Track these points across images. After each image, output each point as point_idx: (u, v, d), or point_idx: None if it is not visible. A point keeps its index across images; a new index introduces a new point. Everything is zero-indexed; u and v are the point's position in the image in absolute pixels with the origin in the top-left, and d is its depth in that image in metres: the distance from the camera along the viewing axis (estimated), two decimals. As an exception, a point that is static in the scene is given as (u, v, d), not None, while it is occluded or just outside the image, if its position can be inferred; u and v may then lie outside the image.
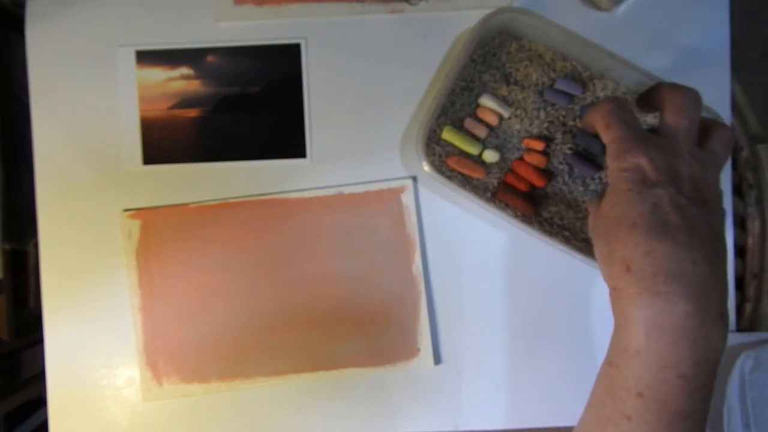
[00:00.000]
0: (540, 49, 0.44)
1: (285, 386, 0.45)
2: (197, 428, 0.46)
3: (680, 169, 0.30)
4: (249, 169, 0.46)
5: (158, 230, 0.45)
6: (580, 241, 0.43)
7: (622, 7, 0.45)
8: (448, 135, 0.43)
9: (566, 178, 0.43)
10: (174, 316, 0.45)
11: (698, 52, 0.46)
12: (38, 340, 0.46)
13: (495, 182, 0.43)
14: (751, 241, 0.49)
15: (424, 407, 0.46)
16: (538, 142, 0.43)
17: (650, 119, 0.43)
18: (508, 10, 0.41)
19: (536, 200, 0.43)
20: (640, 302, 0.28)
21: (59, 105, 0.46)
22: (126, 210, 0.45)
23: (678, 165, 0.30)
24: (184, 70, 0.46)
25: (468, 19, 0.45)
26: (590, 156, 0.43)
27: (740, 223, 0.49)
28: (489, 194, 0.43)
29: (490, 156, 0.43)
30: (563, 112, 0.43)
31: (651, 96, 0.34)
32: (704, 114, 0.41)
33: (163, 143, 0.46)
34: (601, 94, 0.43)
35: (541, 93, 0.43)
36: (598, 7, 0.45)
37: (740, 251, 0.49)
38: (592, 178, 0.43)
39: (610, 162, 0.32)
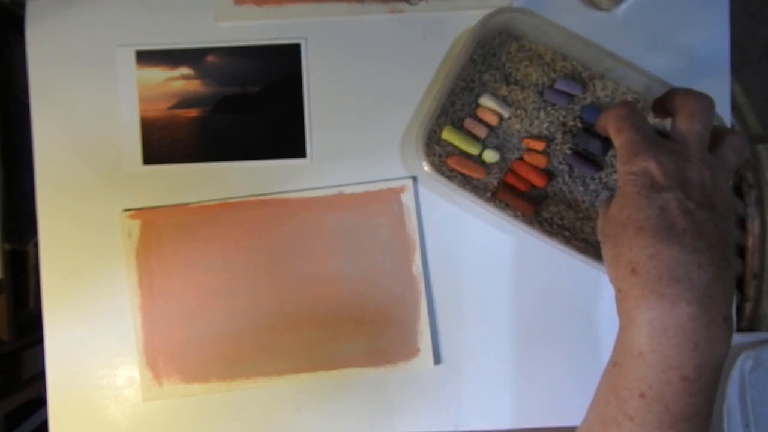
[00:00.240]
0: (540, 49, 0.44)
1: (285, 386, 0.45)
2: (197, 428, 0.46)
3: (690, 173, 0.30)
4: (249, 169, 0.46)
5: (158, 230, 0.45)
6: (580, 241, 0.43)
7: (622, 7, 0.45)
8: (448, 135, 0.43)
9: (566, 178, 0.43)
10: (174, 316, 0.45)
11: (698, 52, 0.46)
12: (38, 340, 0.46)
13: (495, 182, 0.43)
14: (751, 241, 0.49)
15: (424, 407, 0.46)
16: (538, 142, 0.43)
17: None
18: (508, 10, 0.41)
19: (536, 200, 0.43)
20: (644, 304, 0.28)
21: (59, 105, 0.45)
22: (126, 210, 0.45)
23: (687, 170, 0.30)
24: (184, 70, 0.46)
25: (468, 19, 0.45)
26: (590, 156, 0.43)
27: (740, 223, 0.49)
28: (489, 194, 0.43)
29: (490, 156, 0.43)
30: (563, 112, 0.43)
31: (665, 101, 0.35)
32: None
33: (163, 143, 0.46)
34: (601, 94, 0.43)
35: (541, 93, 0.43)
36: (598, 7, 0.45)
37: (740, 251, 0.49)
38: (592, 178, 0.43)
39: (620, 165, 0.32)
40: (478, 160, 0.44)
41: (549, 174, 0.43)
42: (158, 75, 0.46)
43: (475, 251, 0.46)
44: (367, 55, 0.46)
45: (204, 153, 0.46)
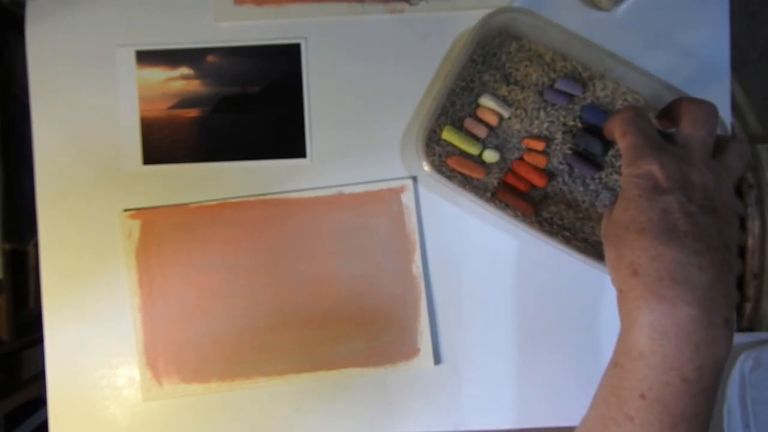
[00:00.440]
0: (540, 49, 0.44)
1: (285, 386, 0.45)
2: (197, 428, 0.46)
3: (692, 177, 0.30)
4: (249, 169, 0.46)
5: (158, 230, 0.45)
6: (580, 241, 0.43)
7: (622, 7, 0.45)
8: (448, 135, 0.43)
9: (566, 178, 0.43)
10: (174, 316, 0.45)
11: (698, 52, 0.46)
12: (38, 340, 0.46)
13: (495, 182, 0.43)
14: (751, 241, 0.49)
15: (424, 407, 0.46)
16: (538, 142, 0.43)
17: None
18: (508, 10, 0.41)
19: (536, 200, 0.43)
20: (645, 306, 0.28)
21: (59, 105, 0.45)
22: (126, 210, 0.45)
23: (690, 173, 0.30)
24: (184, 70, 0.46)
25: (468, 19, 0.45)
26: (590, 156, 0.43)
27: (740, 223, 0.49)
28: (489, 194, 0.43)
29: (490, 156, 0.43)
30: (563, 112, 0.43)
31: (669, 110, 0.35)
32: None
33: (163, 143, 0.46)
34: (601, 94, 0.43)
35: (541, 93, 0.43)
36: (598, 7, 0.45)
37: (740, 251, 0.49)
38: (592, 178, 0.43)
39: (624, 168, 0.32)
40: (478, 160, 0.44)
41: (549, 174, 0.43)
42: (158, 75, 0.46)
43: (475, 251, 0.46)
44: (367, 55, 0.46)
45: (204, 153, 0.46)
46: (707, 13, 0.46)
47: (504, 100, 0.44)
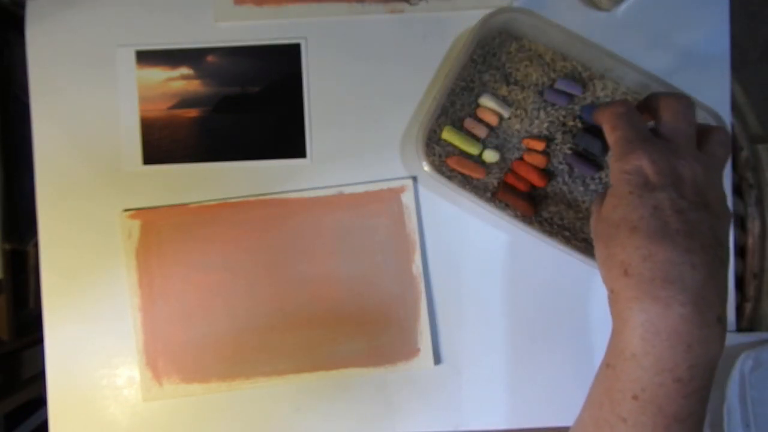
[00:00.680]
0: (540, 49, 0.44)
1: (285, 386, 0.45)
2: (197, 428, 0.46)
3: (682, 171, 0.30)
4: (249, 169, 0.46)
5: (158, 230, 0.45)
6: (580, 241, 0.43)
7: (622, 7, 0.45)
8: (448, 135, 0.43)
9: (566, 178, 0.43)
10: (174, 316, 0.45)
11: (698, 52, 0.46)
12: (38, 340, 0.46)
13: (495, 182, 0.43)
14: (751, 241, 0.49)
15: (424, 407, 0.46)
16: (538, 142, 0.43)
17: None
18: (508, 10, 0.41)
19: (536, 200, 0.43)
20: (637, 306, 0.28)
21: (59, 105, 0.45)
22: (126, 210, 0.45)
23: (680, 167, 0.30)
24: (184, 70, 0.46)
25: (468, 19, 0.45)
26: (590, 156, 0.43)
27: (740, 223, 0.49)
28: (489, 194, 0.43)
29: (490, 156, 0.43)
30: (563, 112, 0.43)
31: (647, 105, 0.35)
32: (703, 113, 0.41)
33: (163, 143, 0.46)
34: (601, 94, 0.43)
35: (541, 93, 0.43)
36: (598, 7, 0.45)
37: (740, 251, 0.49)
38: (592, 178, 0.43)
39: (613, 163, 0.32)
40: (478, 160, 0.44)
41: (549, 174, 0.43)
42: (158, 75, 0.46)
43: (475, 251, 0.46)
44: (367, 55, 0.46)
45: (204, 153, 0.46)
46: (707, 13, 0.46)
47: (504, 100, 0.44)
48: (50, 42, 0.45)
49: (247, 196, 0.46)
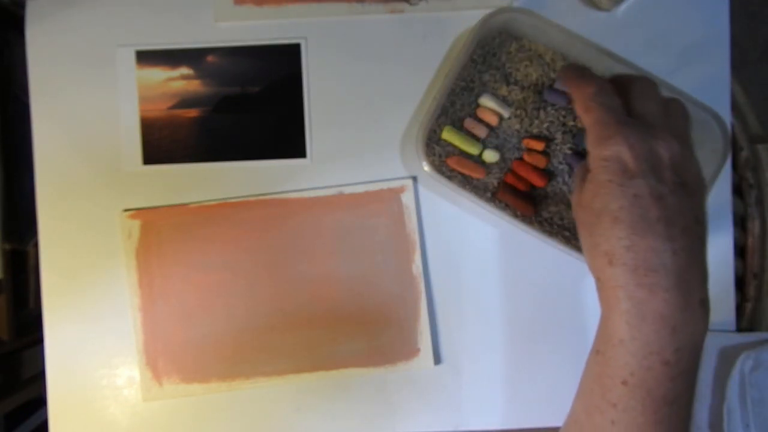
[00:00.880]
0: (540, 49, 0.44)
1: (285, 386, 0.45)
2: (197, 428, 0.46)
3: (660, 151, 0.30)
4: (249, 169, 0.46)
5: (158, 230, 0.45)
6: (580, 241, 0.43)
7: (622, 7, 0.45)
8: (448, 135, 0.43)
9: (566, 178, 0.43)
10: (174, 316, 0.45)
11: (698, 52, 0.46)
12: (38, 340, 0.46)
13: (495, 182, 0.43)
14: (751, 241, 0.49)
15: (424, 407, 0.46)
16: (538, 142, 0.43)
17: None
18: (508, 10, 0.41)
19: (536, 200, 0.43)
20: (622, 294, 0.29)
21: (59, 105, 0.45)
22: (126, 210, 0.45)
23: (658, 148, 0.30)
24: (184, 70, 0.46)
25: (468, 19, 0.45)
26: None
27: (740, 223, 0.49)
28: (489, 194, 0.43)
29: (490, 156, 0.43)
30: (563, 112, 0.43)
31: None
32: (703, 113, 0.41)
33: (163, 143, 0.46)
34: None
35: (541, 93, 0.43)
36: (598, 7, 0.45)
37: (740, 251, 0.49)
38: (592, 178, 0.43)
39: (591, 148, 0.31)
40: (478, 160, 0.44)
41: (549, 174, 0.43)
42: (158, 75, 0.46)
43: (475, 251, 0.46)
44: (367, 55, 0.46)
45: (204, 153, 0.46)
46: (707, 13, 0.46)
47: (504, 100, 0.44)
48: (50, 42, 0.45)
49: (247, 196, 0.46)
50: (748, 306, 0.48)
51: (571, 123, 0.43)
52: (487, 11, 0.41)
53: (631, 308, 0.29)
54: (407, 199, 0.45)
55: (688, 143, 0.32)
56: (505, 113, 0.43)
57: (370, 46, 0.46)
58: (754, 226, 0.49)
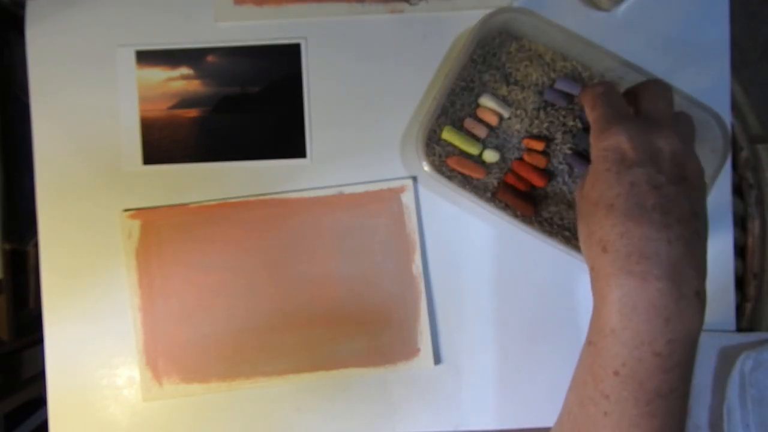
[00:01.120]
0: (540, 49, 0.44)
1: (285, 386, 0.45)
2: (197, 428, 0.46)
3: (661, 144, 0.30)
4: (249, 169, 0.46)
5: (158, 230, 0.45)
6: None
7: (622, 7, 0.45)
8: (448, 135, 0.43)
9: (566, 178, 0.43)
10: (174, 316, 0.45)
11: (698, 52, 0.46)
12: (38, 340, 0.46)
13: (495, 182, 0.43)
14: (751, 241, 0.49)
15: (424, 407, 0.46)
16: (538, 142, 0.43)
17: None
18: (508, 10, 0.41)
19: (536, 200, 0.43)
20: (614, 282, 0.28)
21: (59, 105, 0.45)
22: (126, 210, 0.45)
23: (658, 141, 0.30)
24: (184, 70, 0.46)
25: (468, 19, 0.45)
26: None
27: (740, 223, 0.49)
28: (489, 194, 0.43)
29: (490, 156, 0.43)
30: (563, 112, 0.43)
31: (627, 95, 0.36)
32: (703, 113, 0.41)
33: (163, 143, 0.46)
34: (601, 94, 0.43)
35: (541, 93, 0.43)
36: (598, 7, 0.45)
37: (740, 251, 0.49)
38: (592, 178, 0.43)
39: (593, 141, 0.32)
40: (478, 160, 0.44)
41: (549, 174, 0.43)
42: (158, 75, 0.46)
43: (475, 251, 0.46)
44: (367, 55, 0.46)
45: (204, 153, 0.46)
46: (707, 13, 0.46)
47: (504, 100, 0.44)
48: (50, 42, 0.45)
49: (247, 196, 0.46)
50: (748, 306, 0.48)
51: (571, 123, 0.43)
52: (487, 11, 0.41)
53: (622, 297, 0.28)
54: (407, 199, 0.45)
55: (690, 146, 0.32)
56: (505, 113, 0.43)
57: (370, 46, 0.46)
58: (754, 226, 0.49)
